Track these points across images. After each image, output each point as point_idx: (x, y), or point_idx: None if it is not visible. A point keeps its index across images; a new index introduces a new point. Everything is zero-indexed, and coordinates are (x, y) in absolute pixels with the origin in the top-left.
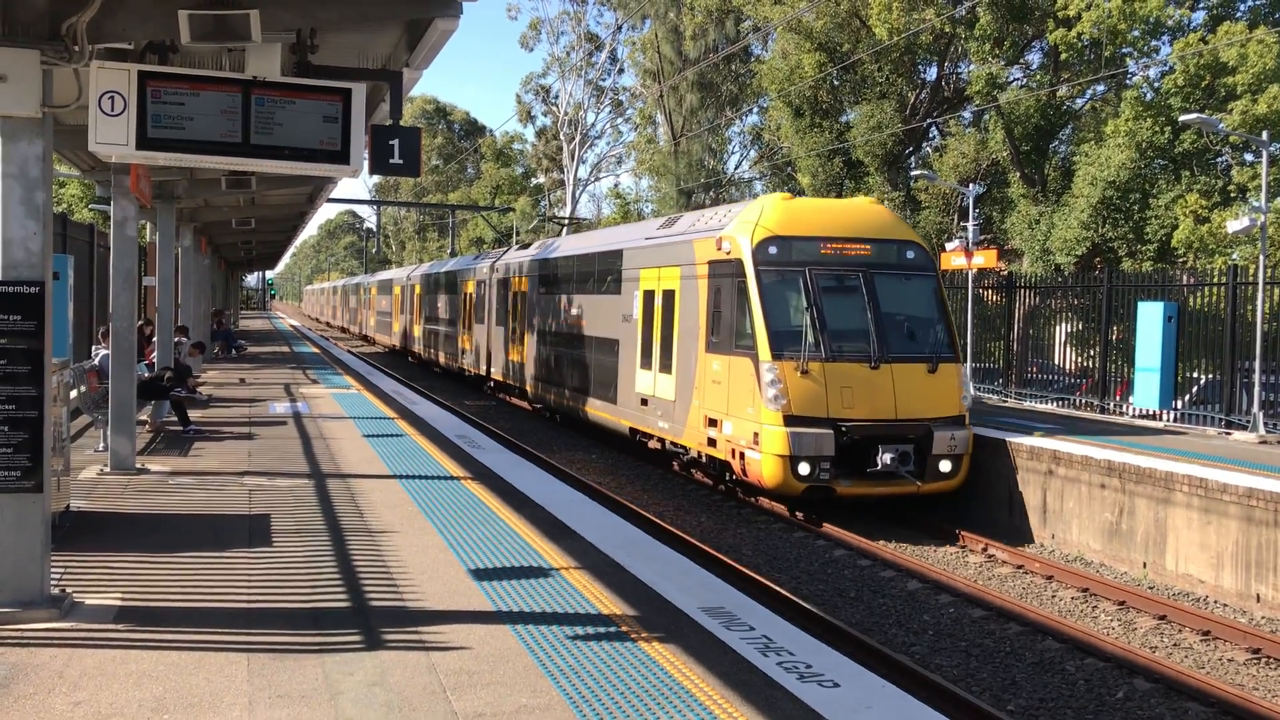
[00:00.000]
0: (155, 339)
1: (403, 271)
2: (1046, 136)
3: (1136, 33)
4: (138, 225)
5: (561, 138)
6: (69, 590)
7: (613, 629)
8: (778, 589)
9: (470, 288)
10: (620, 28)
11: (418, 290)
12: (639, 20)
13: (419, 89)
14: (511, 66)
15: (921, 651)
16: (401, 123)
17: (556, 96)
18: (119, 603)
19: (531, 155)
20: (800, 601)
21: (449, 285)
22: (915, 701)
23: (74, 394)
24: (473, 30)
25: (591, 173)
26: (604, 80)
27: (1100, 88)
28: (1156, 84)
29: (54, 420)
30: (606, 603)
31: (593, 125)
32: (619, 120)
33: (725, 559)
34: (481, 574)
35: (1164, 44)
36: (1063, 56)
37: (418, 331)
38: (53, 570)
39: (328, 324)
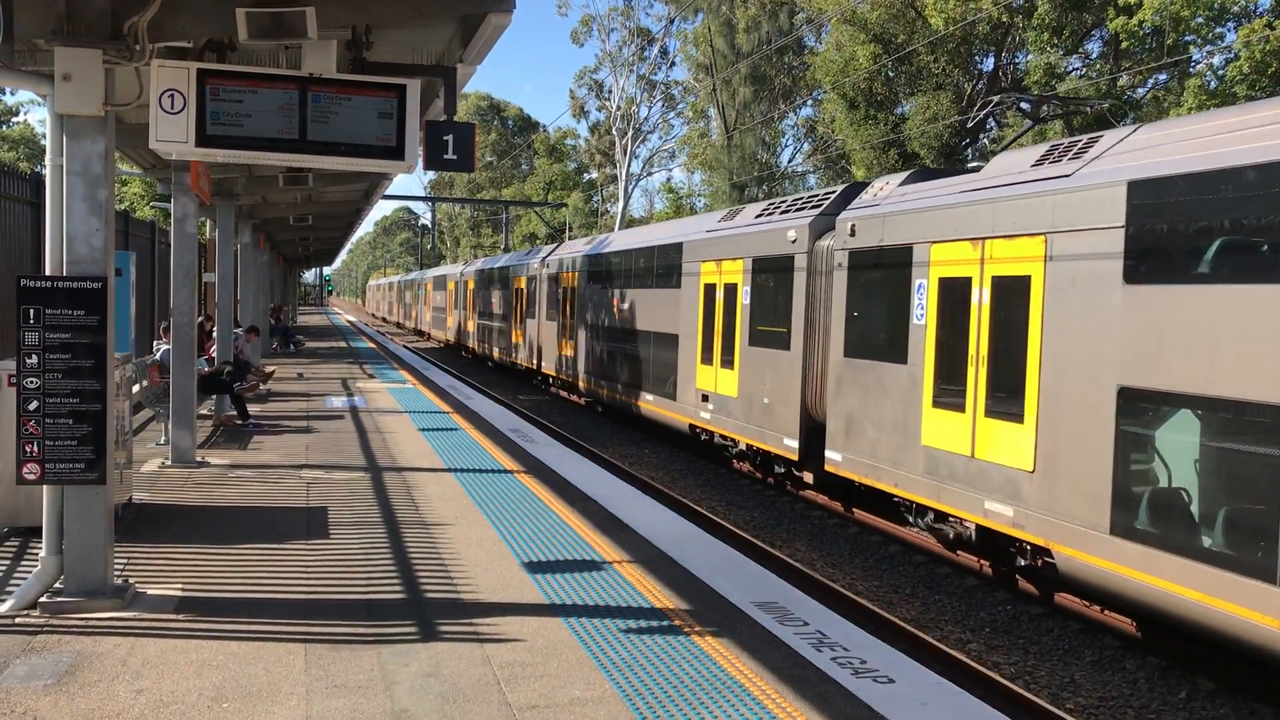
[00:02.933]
0: (215, 334)
1: (535, 255)
2: (1106, 126)
3: (1200, 19)
4: (197, 222)
5: (614, 133)
6: (132, 580)
7: (665, 622)
8: (832, 584)
9: (723, 275)
10: (672, 21)
11: (570, 284)
12: (691, 13)
13: (473, 85)
14: (567, 63)
15: (979, 649)
16: (456, 119)
17: (609, 92)
18: (180, 593)
19: (584, 150)
20: (855, 597)
21: (660, 271)
22: (972, 698)
23: (136, 388)
24: (528, 28)
25: (644, 167)
26: (656, 75)
27: (1162, 76)
28: (1221, 72)
29: (117, 414)
30: (659, 596)
31: (645, 120)
32: (671, 115)
33: (779, 554)
34: (534, 567)
35: (1229, 30)
36: (1123, 45)
37: (567, 350)
38: (116, 561)
39: (399, 325)
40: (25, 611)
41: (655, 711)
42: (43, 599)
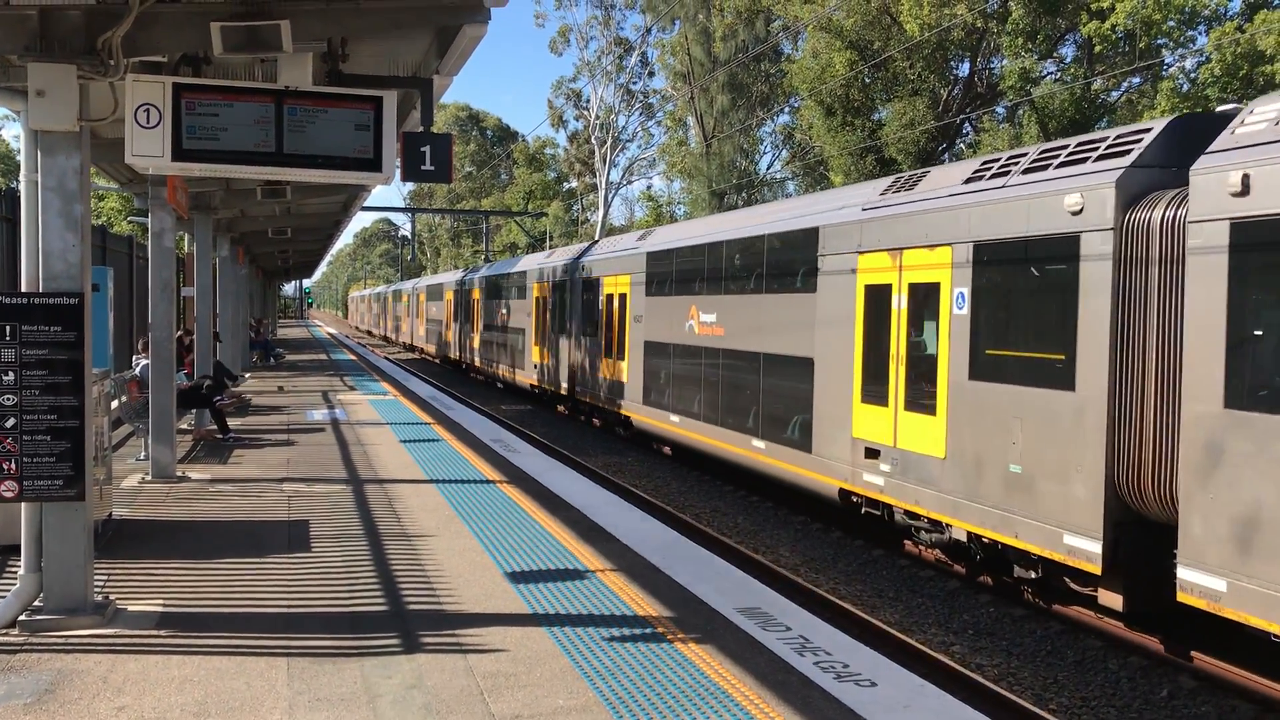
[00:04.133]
0: (194, 348)
1: (562, 256)
2: (1081, 130)
3: (1172, 23)
4: (175, 236)
5: (593, 142)
6: (112, 597)
7: (649, 630)
8: (815, 589)
9: (905, 271)
10: (649, 30)
11: (619, 289)
12: (668, 23)
13: (451, 96)
14: (547, 71)
15: (962, 651)
16: (433, 129)
17: (587, 101)
18: (161, 609)
19: (564, 160)
20: (838, 601)
21: (777, 269)
22: (955, 701)
23: (115, 404)
24: (507, 37)
25: (624, 176)
26: (634, 84)
27: (1135, 80)
28: (1193, 74)
29: (95, 430)
30: (642, 604)
31: (624, 128)
32: (650, 123)
33: (762, 560)
34: (518, 577)
35: (1200, 34)
36: (1097, 49)
37: (611, 373)
38: (96, 577)
39: (385, 339)
40: (4, 630)
41: (639, 719)
42: (22, 617)
